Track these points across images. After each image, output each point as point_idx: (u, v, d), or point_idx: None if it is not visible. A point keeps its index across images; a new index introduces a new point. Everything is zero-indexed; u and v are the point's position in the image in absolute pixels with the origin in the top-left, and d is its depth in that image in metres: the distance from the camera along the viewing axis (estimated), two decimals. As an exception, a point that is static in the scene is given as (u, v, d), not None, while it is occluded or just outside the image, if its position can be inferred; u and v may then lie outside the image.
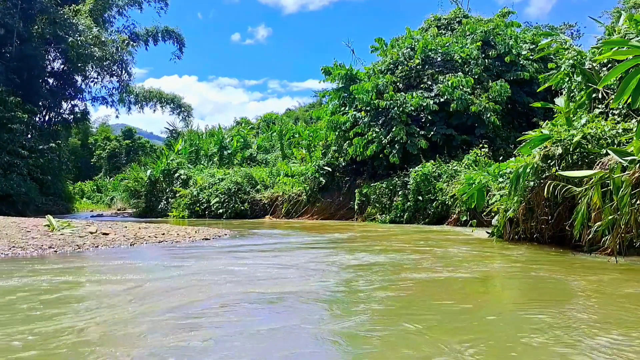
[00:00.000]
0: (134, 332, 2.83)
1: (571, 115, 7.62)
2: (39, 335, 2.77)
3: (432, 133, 16.77)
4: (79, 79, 34.67)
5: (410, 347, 2.56)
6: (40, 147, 27.45)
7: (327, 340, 2.71)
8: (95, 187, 47.94)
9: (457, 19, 21.44)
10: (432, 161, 15.55)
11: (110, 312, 3.33)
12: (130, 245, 8.06)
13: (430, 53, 18.38)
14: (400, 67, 18.42)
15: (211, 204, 22.17)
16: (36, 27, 28.33)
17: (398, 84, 18.18)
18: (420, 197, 15.08)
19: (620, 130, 6.85)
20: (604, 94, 7.94)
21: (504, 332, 2.85)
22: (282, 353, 2.49)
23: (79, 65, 31.45)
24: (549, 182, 6.77)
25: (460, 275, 4.89)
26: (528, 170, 7.34)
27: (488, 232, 9.11)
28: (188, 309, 3.43)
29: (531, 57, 18.24)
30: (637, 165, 5.50)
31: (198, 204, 22.71)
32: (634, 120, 7.10)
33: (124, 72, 35.83)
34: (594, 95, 8.05)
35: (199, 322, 3.07)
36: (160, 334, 2.79)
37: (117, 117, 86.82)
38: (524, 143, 7.42)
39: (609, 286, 4.33)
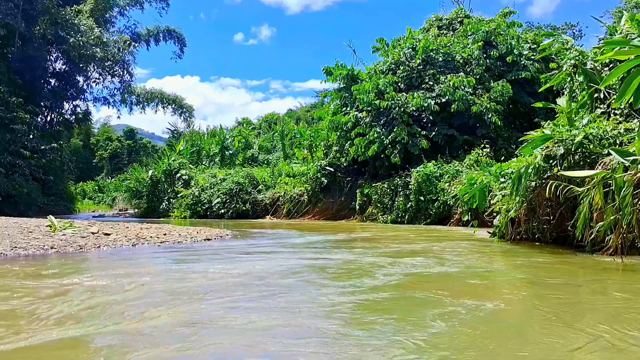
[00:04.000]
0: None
1: (573, 116, 7.61)
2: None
3: (433, 133, 16.77)
4: (80, 79, 34.70)
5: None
6: (42, 147, 27.49)
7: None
8: (97, 187, 48.01)
9: (459, 19, 21.43)
10: (434, 161, 15.55)
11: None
12: (132, 245, 8.07)
13: (431, 53, 18.37)
14: (401, 67, 18.40)
15: (213, 204, 22.20)
16: (38, 27, 28.35)
17: (399, 84, 18.17)
18: (421, 198, 15.07)
19: (622, 131, 6.84)
20: (606, 94, 7.93)
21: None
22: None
23: (81, 65, 31.48)
24: (551, 182, 6.76)
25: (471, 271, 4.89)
26: (530, 170, 7.33)
27: (489, 232, 9.10)
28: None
29: (533, 57, 18.21)
30: (639, 165, 5.50)
31: (200, 205, 22.74)
32: (635, 120, 7.09)
33: (125, 72, 35.85)
34: (595, 95, 8.04)
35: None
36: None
37: (118, 117, 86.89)
38: (525, 143, 7.41)
39: (616, 287, 4.33)
